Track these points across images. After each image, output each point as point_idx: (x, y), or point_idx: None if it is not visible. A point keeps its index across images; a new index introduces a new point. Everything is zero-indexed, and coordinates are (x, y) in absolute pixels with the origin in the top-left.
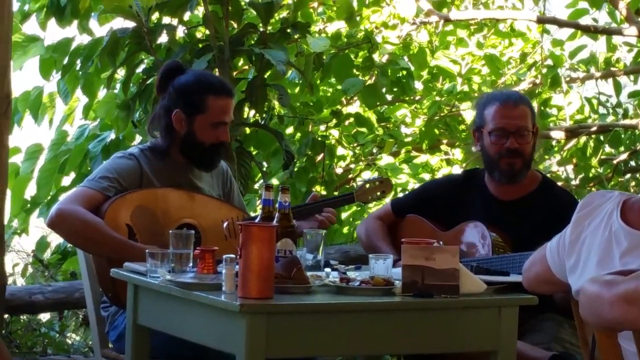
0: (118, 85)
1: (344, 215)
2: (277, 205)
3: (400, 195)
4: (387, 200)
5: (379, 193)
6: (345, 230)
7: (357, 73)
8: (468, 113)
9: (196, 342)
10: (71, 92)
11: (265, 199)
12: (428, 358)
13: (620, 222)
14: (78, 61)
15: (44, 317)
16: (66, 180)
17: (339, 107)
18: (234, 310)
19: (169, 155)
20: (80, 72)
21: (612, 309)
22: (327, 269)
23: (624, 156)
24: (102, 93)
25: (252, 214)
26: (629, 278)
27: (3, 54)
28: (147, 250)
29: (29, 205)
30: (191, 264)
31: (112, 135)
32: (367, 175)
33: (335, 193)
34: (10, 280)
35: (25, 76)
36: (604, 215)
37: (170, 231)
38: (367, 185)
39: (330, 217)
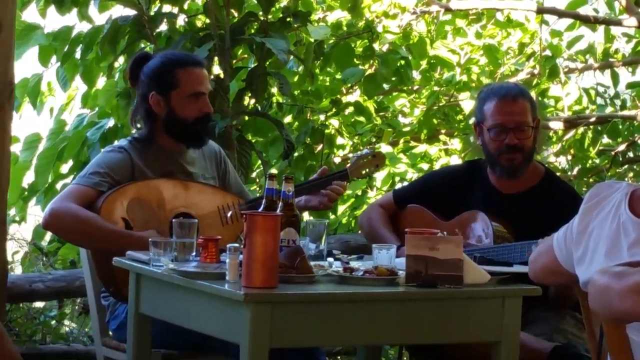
0: (117, 74)
1: (341, 207)
2: (280, 195)
3: (399, 185)
4: (383, 188)
5: (372, 167)
6: (344, 220)
7: (357, 62)
8: (466, 103)
9: (200, 331)
10: (70, 80)
11: (268, 187)
12: (431, 348)
13: (629, 213)
14: (78, 49)
15: (40, 304)
16: (64, 168)
17: (338, 96)
18: (238, 300)
19: (156, 143)
20: (80, 60)
21: (622, 300)
22: (330, 259)
23: (622, 147)
24: (100, 81)
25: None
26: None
27: (6, 39)
28: (150, 239)
29: (26, 193)
30: (194, 253)
31: (111, 123)
32: None
33: None
34: (9, 268)
35: (23, 64)
36: (612, 206)
37: (174, 220)
38: (360, 161)
39: (337, 189)
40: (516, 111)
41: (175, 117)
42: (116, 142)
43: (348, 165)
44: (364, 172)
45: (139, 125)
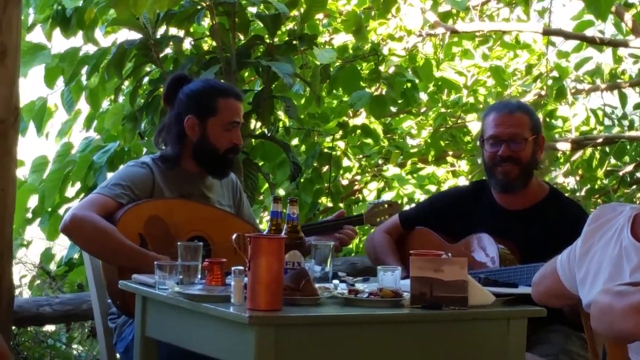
0: (121, 97)
1: None
2: (285, 217)
3: (407, 207)
4: None
5: (387, 216)
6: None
7: (364, 85)
8: (474, 125)
9: (205, 353)
10: (75, 102)
11: (273, 210)
12: None
13: (630, 237)
14: (83, 71)
15: (50, 328)
16: (70, 192)
17: (345, 118)
18: (243, 322)
19: (180, 165)
20: (85, 82)
21: (625, 319)
22: (335, 281)
23: (629, 168)
24: (104, 104)
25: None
26: None
27: (12, 65)
28: (155, 262)
29: (30, 216)
30: (199, 276)
31: (117, 147)
32: (373, 186)
33: (341, 205)
34: (17, 292)
35: (28, 86)
36: (615, 230)
37: (179, 243)
38: (376, 209)
39: (350, 233)
40: (511, 123)
41: (208, 145)
42: (141, 158)
43: (364, 211)
44: (378, 219)
45: (162, 146)
